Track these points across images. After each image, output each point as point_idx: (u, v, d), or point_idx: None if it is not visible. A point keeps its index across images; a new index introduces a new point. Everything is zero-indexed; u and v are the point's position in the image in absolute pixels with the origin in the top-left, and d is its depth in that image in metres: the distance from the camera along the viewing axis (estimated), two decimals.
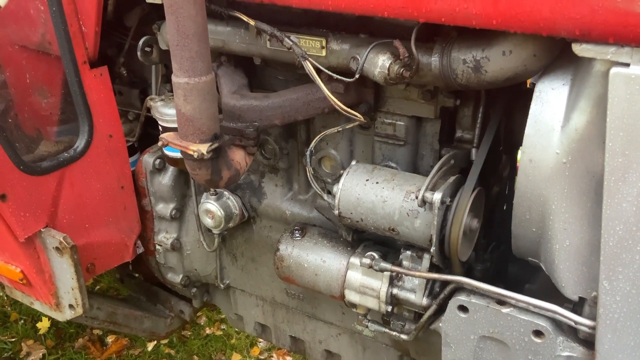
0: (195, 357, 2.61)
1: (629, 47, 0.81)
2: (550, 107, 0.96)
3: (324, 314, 1.59)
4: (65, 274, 1.44)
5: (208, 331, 2.76)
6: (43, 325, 2.76)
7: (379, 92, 1.25)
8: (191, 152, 1.15)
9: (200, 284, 1.80)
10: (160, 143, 1.19)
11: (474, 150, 1.21)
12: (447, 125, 1.26)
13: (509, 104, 1.21)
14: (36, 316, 2.83)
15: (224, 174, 1.25)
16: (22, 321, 2.83)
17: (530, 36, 0.92)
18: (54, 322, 2.79)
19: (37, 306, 1.57)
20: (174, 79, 1.10)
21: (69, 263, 1.42)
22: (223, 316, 2.85)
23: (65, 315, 1.51)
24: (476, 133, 1.22)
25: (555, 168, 0.97)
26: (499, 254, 1.40)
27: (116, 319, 1.71)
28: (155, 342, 2.67)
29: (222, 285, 1.73)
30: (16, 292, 1.60)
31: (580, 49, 0.86)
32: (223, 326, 2.79)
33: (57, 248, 1.40)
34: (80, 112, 1.45)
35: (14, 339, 2.73)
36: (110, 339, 2.71)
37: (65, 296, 1.48)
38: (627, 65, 0.82)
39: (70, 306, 1.48)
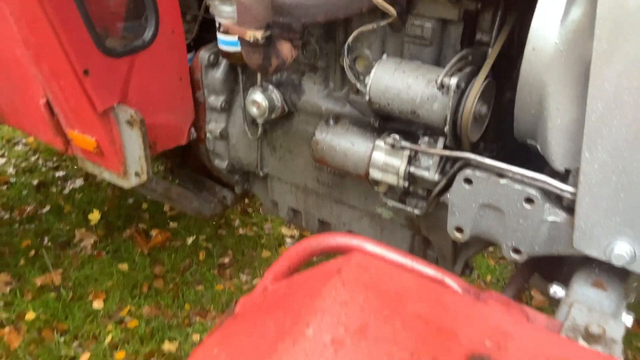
0: (229, 251, 2.89)
1: None
2: (553, 2, 1.14)
3: (349, 199, 1.82)
4: (133, 145, 1.68)
5: (241, 232, 3.03)
6: (94, 217, 3.07)
7: None
8: (248, 38, 1.36)
9: (243, 172, 2.04)
10: (221, 28, 1.40)
11: (490, 50, 1.39)
12: (469, 29, 1.44)
13: (525, 9, 1.38)
14: (88, 209, 3.13)
15: (273, 61, 1.45)
16: (74, 213, 3.14)
17: None
18: (103, 215, 3.09)
19: (106, 175, 1.82)
20: None
21: (137, 135, 1.66)
22: (255, 220, 3.12)
23: (131, 182, 1.76)
24: (493, 35, 1.39)
25: (554, 56, 1.16)
26: (505, 152, 1.60)
27: (170, 195, 1.97)
28: (195, 236, 2.96)
29: (261, 173, 1.96)
30: (87, 162, 1.85)
31: None
32: (255, 228, 3.06)
33: (128, 121, 1.64)
34: (149, 8, 1.65)
35: (67, 228, 3.04)
36: (154, 232, 3.00)
37: (132, 165, 1.72)
38: None
39: (136, 174, 1.73)
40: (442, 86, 1.29)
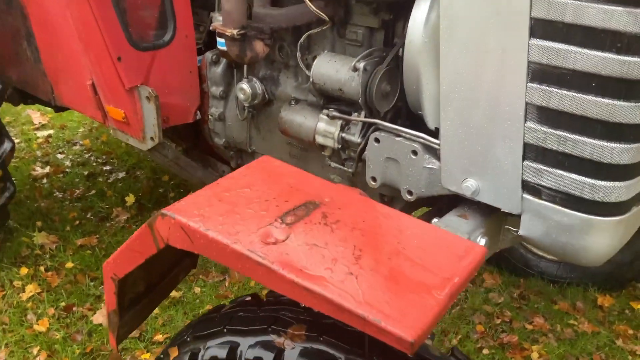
0: None
1: None
2: (420, 11, 1.66)
3: (311, 168, 2.33)
4: (150, 115, 2.26)
5: None
6: (130, 199, 3.67)
7: (348, 9, 1.97)
8: (228, 33, 1.94)
9: (236, 149, 2.59)
10: (211, 27, 1.98)
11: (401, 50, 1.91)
12: (389, 34, 1.96)
13: None
14: (125, 194, 3.74)
15: (248, 53, 2.02)
16: (114, 197, 3.77)
17: None
18: (137, 199, 3.69)
19: (131, 140, 2.41)
20: None
21: (153, 108, 2.24)
22: None
23: (147, 144, 2.33)
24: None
25: (422, 46, 1.66)
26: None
27: (179, 162, 2.53)
28: None
29: (249, 150, 2.50)
30: (118, 132, 2.44)
31: None
32: None
33: (147, 97, 2.23)
34: (169, 17, 2.25)
35: (107, 207, 3.66)
36: None
37: (148, 131, 2.30)
38: None
39: (151, 138, 2.31)
40: (355, 69, 1.82)
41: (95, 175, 4.06)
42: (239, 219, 1.20)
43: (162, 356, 1.43)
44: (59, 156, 4.34)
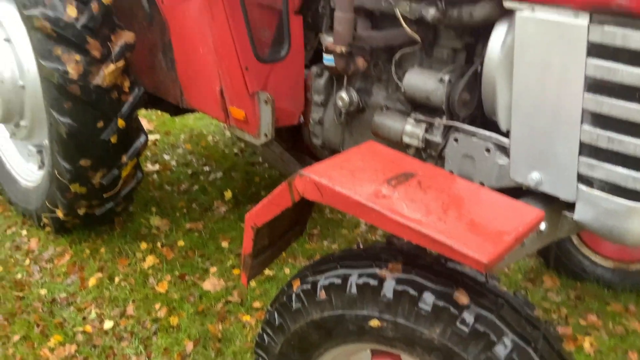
0: (318, 226, 3.83)
1: None
2: (498, 34, 2.02)
3: None
4: (266, 116, 2.72)
5: (329, 215, 3.98)
6: (228, 194, 4.16)
7: (437, 32, 2.36)
8: (338, 50, 2.37)
9: (330, 149, 3.01)
10: (324, 46, 2.43)
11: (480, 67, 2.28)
12: (471, 53, 2.33)
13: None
14: (224, 190, 4.25)
15: (351, 67, 2.44)
16: (214, 192, 4.27)
17: None
18: (234, 195, 4.18)
19: (247, 137, 2.87)
20: (336, 14, 2.32)
21: (269, 109, 2.69)
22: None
23: (261, 140, 2.79)
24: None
25: (499, 63, 2.02)
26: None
27: (283, 157, 2.98)
28: None
29: (341, 150, 2.91)
30: (237, 129, 2.92)
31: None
32: (339, 215, 3.99)
33: (265, 100, 2.69)
34: (286, 37, 2.72)
35: (209, 200, 4.17)
36: None
37: (263, 129, 2.75)
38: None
39: (265, 135, 2.77)
40: (441, 81, 2.21)
41: (197, 174, 4.60)
42: (357, 180, 1.60)
43: (286, 287, 1.84)
44: (166, 157, 4.92)
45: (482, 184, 2.17)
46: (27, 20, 2.91)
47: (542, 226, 2.01)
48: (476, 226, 1.44)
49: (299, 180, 1.65)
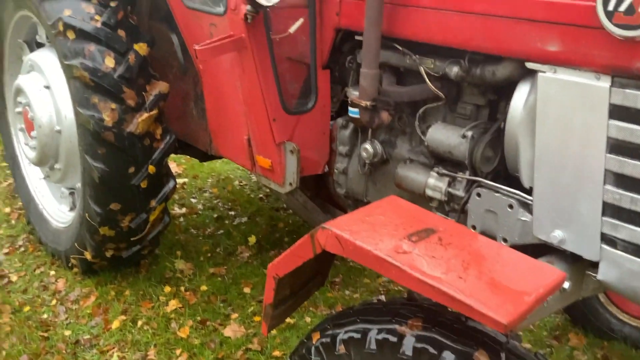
0: (340, 274, 3.83)
1: None
2: (521, 93, 2.05)
3: None
4: (291, 166, 2.77)
5: (351, 264, 3.97)
6: (252, 240, 4.20)
7: (460, 89, 2.41)
8: (362, 104, 2.44)
9: (354, 199, 3.04)
10: (350, 100, 2.49)
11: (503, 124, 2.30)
12: (494, 110, 2.37)
13: None
14: (248, 235, 4.29)
15: (376, 120, 2.50)
16: (238, 237, 4.32)
17: None
18: (258, 240, 4.22)
19: (272, 185, 2.93)
20: (362, 70, 2.39)
21: (295, 159, 2.75)
22: None
23: (286, 188, 2.84)
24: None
25: (521, 121, 2.04)
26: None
27: (307, 205, 3.02)
28: None
29: (365, 200, 2.94)
30: (262, 177, 2.97)
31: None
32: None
33: (291, 150, 2.75)
34: (313, 90, 2.80)
35: (233, 244, 4.21)
36: None
37: (288, 178, 2.80)
38: None
39: (290, 184, 2.81)
40: (464, 136, 2.24)
41: (222, 218, 4.66)
42: (378, 235, 1.63)
43: (305, 339, 1.84)
44: (193, 200, 5.01)
45: (504, 239, 2.16)
46: (67, 69, 3.06)
47: (566, 284, 1.99)
48: (497, 285, 1.44)
49: (321, 233, 1.68)
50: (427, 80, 2.33)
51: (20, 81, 3.62)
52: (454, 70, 2.22)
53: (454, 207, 2.40)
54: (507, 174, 2.26)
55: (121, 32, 3.03)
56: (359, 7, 2.43)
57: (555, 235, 1.99)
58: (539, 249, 2.15)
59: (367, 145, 2.72)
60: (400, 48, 2.42)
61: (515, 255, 1.65)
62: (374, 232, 1.64)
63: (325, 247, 1.66)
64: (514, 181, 2.21)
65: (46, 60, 3.50)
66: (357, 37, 2.62)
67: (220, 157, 3.51)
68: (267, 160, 2.83)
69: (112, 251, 3.34)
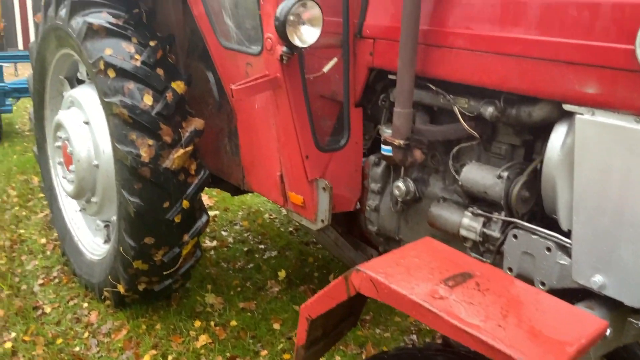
0: (371, 312, 3.78)
1: None
2: (558, 134, 2.03)
3: None
4: (323, 202, 2.77)
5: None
6: (281, 274, 4.20)
7: (495, 129, 2.40)
8: (397, 143, 2.44)
9: (385, 237, 3.02)
10: (382, 138, 2.50)
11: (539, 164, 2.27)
12: (530, 150, 2.34)
13: None
14: (278, 269, 4.28)
15: (409, 159, 2.49)
16: (268, 271, 4.32)
17: None
18: (287, 275, 4.21)
19: (304, 222, 2.93)
20: (395, 109, 2.40)
21: (327, 196, 2.75)
22: None
23: (317, 226, 2.83)
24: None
25: (559, 162, 2.02)
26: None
27: (338, 242, 3.01)
28: None
29: (397, 238, 2.92)
30: (294, 213, 2.98)
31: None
32: None
33: (323, 188, 2.76)
34: (346, 127, 2.83)
35: (263, 279, 4.21)
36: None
37: (320, 215, 2.80)
38: None
39: (322, 221, 2.81)
40: (500, 177, 2.21)
41: (252, 251, 4.67)
42: (413, 279, 1.61)
43: None
44: (224, 233, 5.04)
45: (542, 283, 2.11)
46: (107, 106, 3.15)
47: (607, 332, 1.93)
48: (537, 335, 1.41)
49: (355, 275, 1.67)
50: (461, 119, 2.33)
51: (61, 116, 3.74)
52: (489, 111, 2.21)
53: (489, 248, 2.36)
54: (543, 215, 2.22)
55: (160, 71, 3.11)
56: (393, 48, 2.46)
57: (596, 281, 1.93)
58: (578, 293, 2.10)
59: (400, 183, 2.71)
60: (434, 88, 2.43)
61: (555, 302, 1.61)
62: (409, 276, 1.62)
63: (360, 290, 1.65)
64: (551, 222, 2.17)
65: (86, 96, 3.61)
66: (390, 76, 2.64)
67: (252, 192, 3.53)
68: (299, 196, 2.84)
69: (144, 284, 3.37)
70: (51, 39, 3.79)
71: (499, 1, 2.13)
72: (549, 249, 2.08)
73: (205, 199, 5.67)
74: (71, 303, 3.84)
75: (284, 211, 5.35)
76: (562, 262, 2.05)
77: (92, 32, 3.17)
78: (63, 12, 3.41)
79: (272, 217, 5.44)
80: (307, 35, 2.41)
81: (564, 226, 2.06)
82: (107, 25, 3.17)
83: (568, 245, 2.02)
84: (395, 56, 2.37)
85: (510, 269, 2.22)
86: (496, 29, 2.10)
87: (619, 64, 1.72)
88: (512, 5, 2.08)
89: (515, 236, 2.19)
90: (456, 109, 2.33)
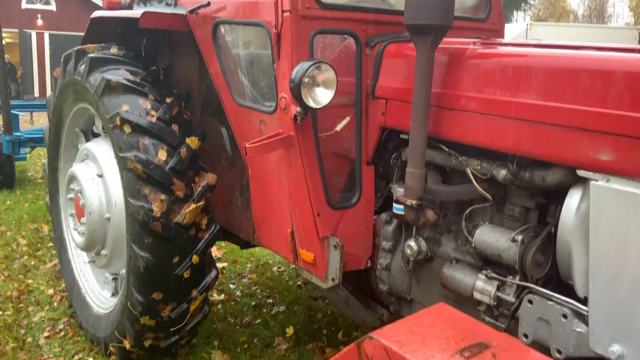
0: None
1: None
2: (573, 200, 2.01)
3: None
4: (334, 260, 2.74)
5: None
6: (289, 331, 4.11)
7: (508, 191, 2.39)
8: (409, 203, 2.43)
9: (396, 296, 2.97)
10: (394, 196, 2.50)
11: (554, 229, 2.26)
12: (544, 214, 2.33)
13: None
14: (286, 325, 4.21)
15: (421, 218, 2.48)
16: (276, 327, 4.24)
17: None
18: (295, 331, 4.13)
19: (314, 279, 2.90)
20: (407, 169, 2.41)
21: (338, 255, 2.73)
22: None
23: (328, 284, 2.80)
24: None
25: (573, 229, 2.00)
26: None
27: (348, 301, 2.96)
28: None
29: (408, 297, 2.87)
30: (304, 271, 2.95)
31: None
32: None
33: (334, 246, 2.74)
34: (357, 185, 2.83)
35: (270, 335, 4.13)
36: (328, 350, 3.94)
37: (331, 273, 2.77)
38: None
39: (332, 279, 2.78)
40: (514, 240, 2.19)
41: (260, 306, 4.61)
42: (428, 349, 1.57)
43: None
44: (231, 286, 4.99)
45: (559, 351, 2.06)
46: (121, 161, 3.18)
47: None
48: None
49: (368, 343, 1.63)
50: (474, 181, 2.33)
51: (75, 169, 3.78)
52: (502, 173, 2.21)
53: (504, 313, 2.31)
54: (559, 280, 2.19)
55: (175, 127, 3.16)
56: (405, 108, 2.49)
57: (614, 351, 1.88)
58: None
59: (412, 242, 2.69)
60: (446, 149, 2.44)
61: None
62: (424, 346, 1.58)
63: (373, 358, 1.61)
64: (567, 287, 2.13)
65: (101, 150, 3.66)
66: (402, 135, 2.66)
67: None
68: (309, 254, 2.82)
69: (150, 341, 3.32)
70: (69, 93, 3.87)
71: (511, 66, 2.16)
72: (565, 316, 2.04)
73: (214, 250, 5.64)
74: (76, 357, 3.77)
75: (292, 264, 5.32)
76: (578, 329, 2.01)
77: (110, 88, 3.23)
78: (82, 67, 3.50)
79: (280, 269, 5.39)
80: (321, 96, 2.45)
81: (580, 293, 2.03)
82: (125, 82, 3.24)
83: (585, 312, 1.98)
84: (407, 116, 2.40)
85: (525, 335, 2.17)
86: (509, 94, 2.12)
87: (634, 132, 1.73)
88: (525, 70, 2.11)
89: (530, 301, 2.15)
90: (469, 171, 2.34)
